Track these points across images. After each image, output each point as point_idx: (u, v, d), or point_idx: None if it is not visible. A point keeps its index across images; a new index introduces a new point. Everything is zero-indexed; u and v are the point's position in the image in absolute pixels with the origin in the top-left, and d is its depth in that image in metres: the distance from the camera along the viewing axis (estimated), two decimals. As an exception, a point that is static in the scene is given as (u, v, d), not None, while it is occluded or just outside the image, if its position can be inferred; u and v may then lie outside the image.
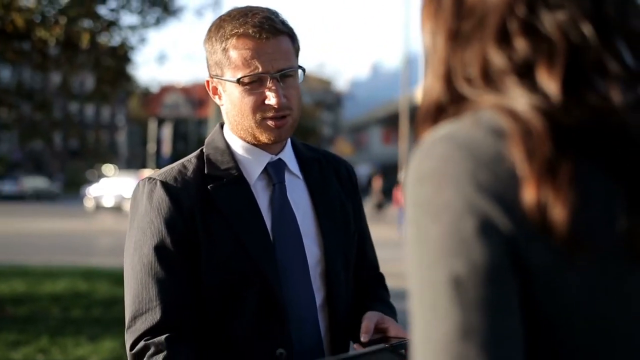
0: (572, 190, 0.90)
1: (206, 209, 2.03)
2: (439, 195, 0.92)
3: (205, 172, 2.09)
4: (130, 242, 2.04)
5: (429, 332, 0.89)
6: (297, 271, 2.09)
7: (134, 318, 1.97)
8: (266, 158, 2.15)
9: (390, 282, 2.46)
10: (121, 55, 11.38)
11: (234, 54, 2.04)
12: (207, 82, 2.17)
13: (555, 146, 0.91)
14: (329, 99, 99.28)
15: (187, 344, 1.97)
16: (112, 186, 38.92)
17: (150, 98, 71.79)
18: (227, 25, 2.06)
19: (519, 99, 0.95)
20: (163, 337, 1.93)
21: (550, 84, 0.94)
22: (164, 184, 2.04)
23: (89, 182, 48.15)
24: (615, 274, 0.93)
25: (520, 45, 0.98)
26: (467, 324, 0.87)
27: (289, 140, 2.23)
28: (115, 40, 11.19)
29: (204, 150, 2.17)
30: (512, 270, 0.90)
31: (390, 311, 2.23)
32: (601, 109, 0.94)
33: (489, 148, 0.93)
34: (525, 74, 0.97)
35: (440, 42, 1.06)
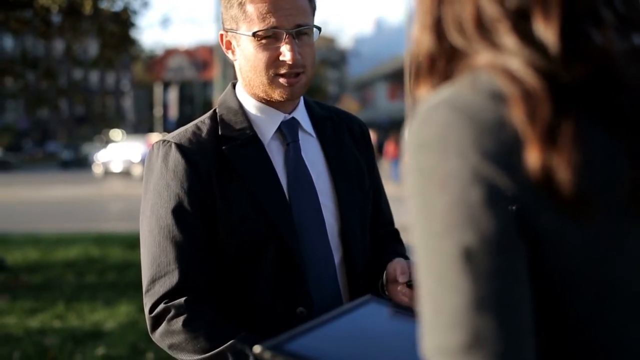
0: (575, 150, 0.88)
1: (222, 171, 2.02)
2: (443, 164, 0.90)
3: (220, 133, 2.08)
4: (147, 206, 2.04)
5: (440, 304, 0.89)
6: (314, 230, 2.09)
7: (153, 281, 1.98)
8: (279, 117, 2.13)
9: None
10: (124, 20, 11.36)
11: (250, 7, 2.01)
12: (221, 35, 2.14)
13: (555, 106, 0.89)
14: (334, 56, 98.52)
15: (207, 305, 1.98)
16: (120, 151, 38.96)
17: (154, 62, 71.52)
18: None
19: (515, 57, 0.93)
20: (182, 299, 1.94)
21: (547, 33, 0.92)
22: (180, 147, 2.03)
23: (94, 149, 48.29)
24: (620, 230, 0.93)
25: None
26: (480, 295, 0.87)
27: (302, 99, 2.21)
28: (118, 5, 11.16)
29: (216, 111, 2.16)
30: (520, 236, 0.90)
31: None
32: (600, 60, 0.92)
33: (490, 113, 0.91)
34: (520, 22, 0.94)
35: None
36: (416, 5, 1.05)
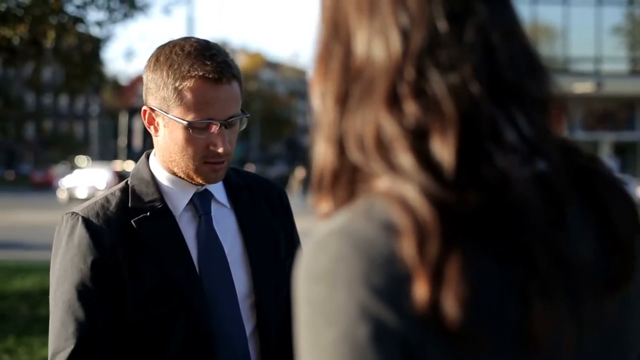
0: (462, 285, 0.86)
1: (130, 244, 2.01)
2: (332, 297, 0.88)
3: (130, 205, 2.07)
4: (54, 279, 2.03)
5: None
6: (225, 302, 2.09)
7: (54, 355, 1.98)
8: (192, 189, 2.12)
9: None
10: (88, 52, 11.36)
11: (188, 95, 1.98)
12: (145, 111, 2.10)
13: (445, 240, 0.88)
14: (304, 88, 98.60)
15: None
16: (85, 177, 38.65)
17: (123, 88, 71.31)
18: (183, 62, 2.00)
19: (410, 182, 0.90)
20: None
21: (444, 151, 0.90)
22: (85, 221, 2.01)
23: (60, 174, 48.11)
24: None
25: (411, 110, 0.92)
26: None
27: None
28: (82, 36, 11.17)
29: (128, 182, 2.13)
30: None
31: None
32: (497, 187, 0.90)
33: (382, 246, 0.89)
34: (418, 141, 0.91)
35: (330, 105, 1.00)
36: (319, 116, 1.02)
